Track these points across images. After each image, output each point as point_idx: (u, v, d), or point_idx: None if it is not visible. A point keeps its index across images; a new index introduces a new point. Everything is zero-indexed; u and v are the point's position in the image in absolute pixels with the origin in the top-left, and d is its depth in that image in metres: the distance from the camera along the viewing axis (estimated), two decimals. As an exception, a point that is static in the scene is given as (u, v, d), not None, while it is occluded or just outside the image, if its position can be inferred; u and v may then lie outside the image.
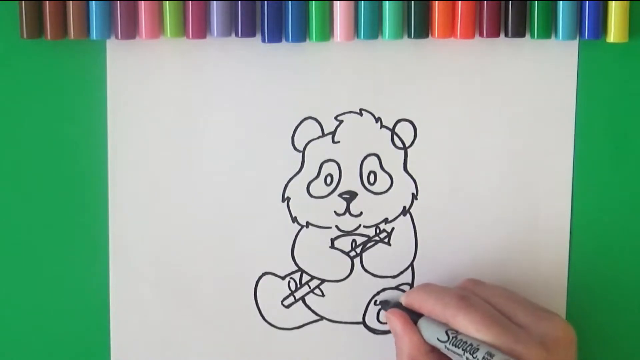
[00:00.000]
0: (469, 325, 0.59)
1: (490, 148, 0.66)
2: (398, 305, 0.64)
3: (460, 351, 0.59)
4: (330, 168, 0.66)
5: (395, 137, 0.66)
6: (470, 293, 0.62)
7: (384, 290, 0.67)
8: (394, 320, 0.63)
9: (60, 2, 0.61)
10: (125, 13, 0.61)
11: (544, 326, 0.60)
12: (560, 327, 0.60)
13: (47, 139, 0.63)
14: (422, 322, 0.62)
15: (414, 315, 0.63)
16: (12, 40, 0.62)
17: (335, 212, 0.66)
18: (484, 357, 0.57)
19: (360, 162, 0.66)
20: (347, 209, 0.66)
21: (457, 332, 0.60)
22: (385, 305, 0.66)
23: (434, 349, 0.61)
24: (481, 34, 0.64)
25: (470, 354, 0.58)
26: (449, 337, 0.60)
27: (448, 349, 0.60)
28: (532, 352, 0.58)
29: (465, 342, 0.59)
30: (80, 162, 0.64)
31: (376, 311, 0.67)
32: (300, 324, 0.67)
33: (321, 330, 0.67)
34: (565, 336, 0.60)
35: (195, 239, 0.65)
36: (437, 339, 0.60)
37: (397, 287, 0.67)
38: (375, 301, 0.67)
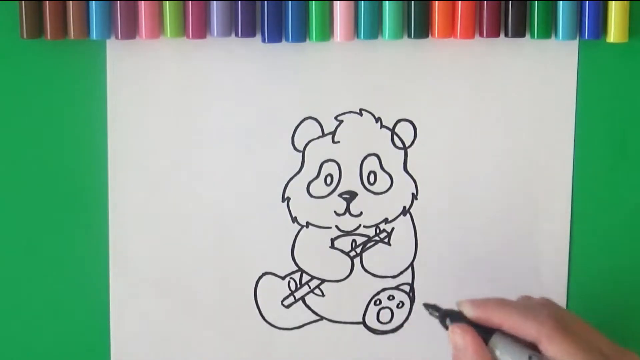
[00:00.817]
0: (565, 350, 0.56)
1: (490, 148, 0.66)
2: (456, 315, 0.59)
3: None
4: (330, 168, 0.66)
5: (395, 137, 0.66)
6: (561, 316, 0.58)
7: (384, 290, 0.67)
8: (463, 336, 0.57)
9: (60, 2, 0.61)
10: (125, 13, 0.61)
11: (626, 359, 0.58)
12: None
13: (47, 139, 0.63)
14: (497, 340, 0.57)
15: (479, 331, 0.57)
16: (12, 40, 0.62)
17: (335, 212, 0.66)
18: None
19: (360, 162, 0.66)
20: (347, 209, 0.66)
21: (538, 357, 0.56)
22: (432, 309, 0.60)
23: None
24: (481, 34, 0.64)
25: None
26: None
27: None
28: None
29: None
30: (80, 162, 0.64)
31: (376, 311, 0.67)
32: (300, 324, 0.67)
33: (321, 330, 0.67)
34: None
35: (195, 239, 0.65)
36: (529, 357, 0.56)
37: (397, 287, 0.67)
38: (427, 306, 0.60)
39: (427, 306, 0.59)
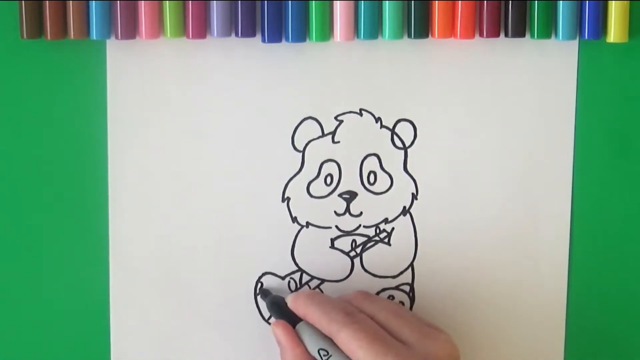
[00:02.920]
0: (352, 342, 0.58)
1: (490, 148, 0.66)
2: (280, 301, 0.63)
3: None
4: (330, 168, 0.66)
5: (395, 137, 0.66)
6: (356, 308, 0.61)
7: (384, 290, 0.67)
8: (278, 332, 0.62)
9: (60, 2, 0.61)
10: (125, 13, 0.61)
11: (428, 344, 0.59)
12: (445, 347, 0.60)
13: (47, 139, 0.63)
14: (301, 328, 0.61)
15: (295, 317, 0.62)
16: (12, 40, 0.62)
17: (335, 212, 0.66)
18: None
19: (360, 162, 0.66)
20: (347, 209, 0.66)
21: (327, 352, 0.59)
22: (264, 294, 0.65)
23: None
24: (481, 34, 0.64)
25: None
26: (321, 358, 0.60)
27: None
28: None
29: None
30: (80, 162, 0.64)
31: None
32: (300, 324, 0.67)
33: (321, 330, 0.67)
34: (448, 356, 0.59)
35: (195, 239, 0.65)
36: (318, 350, 0.60)
37: (397, 287, 0.67)
38: (258, 286, 0.66)
39: (261, 290, 0.66)
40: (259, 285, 0.66)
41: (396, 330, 0.60)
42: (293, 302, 0.63)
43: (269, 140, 0.65)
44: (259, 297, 0.66)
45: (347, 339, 0.59)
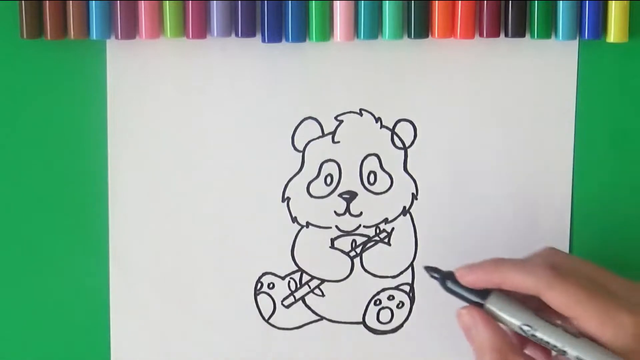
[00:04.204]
0: (569, 297, 0.55)
1: (490, 148, 0.66)
2: (453, 277, 0.59)
3: (549, 345, 0.56)
4: (330, 168, 0.66)
5: (395, 137, 0.66)
6: (559, 263, 0.58)
7: (384, 290, 0.67)
8: (469, 316, 0.58)
9: (60, 2, 0.61)
10: (125, 13, 0.61)
11: (638, 295, 0.57)
12: None
13: (47, 139, 0.63)
14: (493, 302, 0.57)
15: (476, 295, 0.58)
16: (12, 40, 0.62)
17: (335, 212, 0.66)
18: (577, 358, 0.55)
19: (360, 162, 0.66)
20: (347, 209, 0.66)
21: (531, 327, 0.56)
22: (432, 271, 0.60)
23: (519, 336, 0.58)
24: (481, 34, 0.64)
25: (556, 351, 0.56)
26: (525, 334, 0.56)
27: (534, 339, 0.56)
28: (635, 318, 0.55)
29: (548, 342, 0.56)
30: (80, 162, 0.64)
31: (376, 311, 0.67)
32: (300, 324, 0.67)
33: (321, 330, 0.67)
34: None
35: (195, 239, 0.65)
36: (520, 327, 0.56)
37: (397, 287, 0.67)
38: (427, 268, 0.60)
39: (428, 269, 0.60)
40: (428, 268, 0.60)
41: (603, 283, 0.58)
42: (478, 272, 0.58)
43: (269, 140, 0.65)
44: (428, 273, 0.60)
45: (562, 294, 0.56)
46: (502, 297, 0.58)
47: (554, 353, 0.57)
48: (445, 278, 0.59)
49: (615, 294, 0.57)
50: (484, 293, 0.58)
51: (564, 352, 0.56)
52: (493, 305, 0.58)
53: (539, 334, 0.57)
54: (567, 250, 0.67)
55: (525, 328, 0.57)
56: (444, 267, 0.66)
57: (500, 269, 0.58)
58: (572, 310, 0.56)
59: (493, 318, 0.58)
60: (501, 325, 0.58)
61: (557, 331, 0.57)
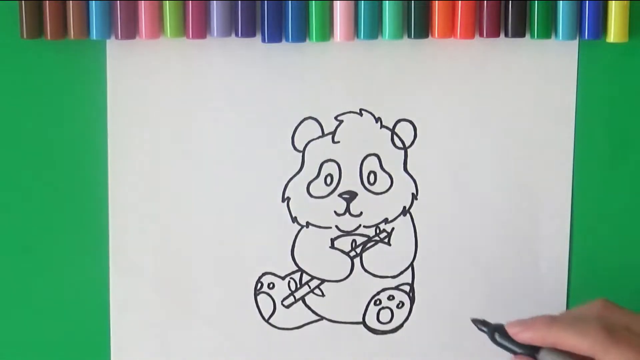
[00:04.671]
0: (625, 358, 0.56)
1: (490, 148, 0.66)
2: (503, 331, 0.60)
3: None
4: (330, 168, 0.66)
5: (395, 137, 0.66)
6: (613, 323, 0.58)
7: (384, 290, 0.67)
8: None
9: (60, 2, 0.61)
10: (125, 13, 0.61)
11: None
12: None
13: (47, 139, 0.63)
14: (545, 355, 0.58)
15: (526, 349, 0.59)
16: (12, 40, 0.62)
17: (335, 212, 0.66)
18: None
19: (360, 162, 0.66)
20: (347, 209, 0.66)
21: None
22: (480, 324, 0.61)
23: None
24: (481, 34, 0.64)
25: None
26: None
27: None
28: None
29: None
30: (80, 162, 0.64)
31: (376, 311, 0.67)
32: (300, 324, 0.67)
33: (321, 330, 0.67)
34: None
35: (195, 239, 0.65)
36: None
37: (397, 287, 0.67)
38: (475, 321, 0.61)
39: (476, 321, 0.61)
40: (476, 321, 0.61)
41: None
42: (530, 331, 0.59)
43: (269, 140, 0.65)
44: (476, 326, 0.61)
45: (617, 358, 0.56)
46: (554, 353, 0.58)
47: None
48: (494, 331, 0.60)
49: None
50: (535, 348, 0.59)
51: None
52: (543, 357, 0.58)
53: None
54: (567, 250, 0.67)
55: None
56: (444, 267, 0.66)
57: (553, 329, 0.58)
58: None
59: None
60: None
61: None
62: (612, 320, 0.59)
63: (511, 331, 0.59)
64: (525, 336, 0.59)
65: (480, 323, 0.61)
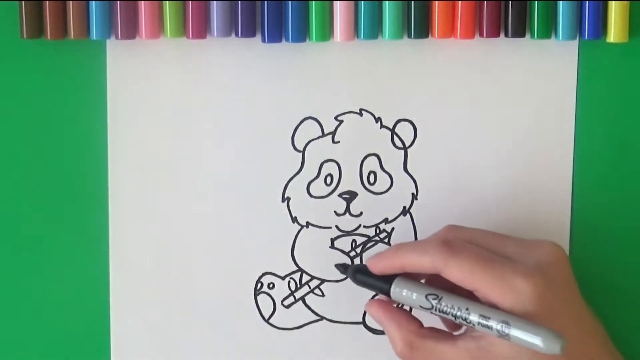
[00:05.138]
0: (463, 270, 0.57)
1: (490, 148, 0.66)
2: (363, 269, 0.61)
3: (449, 316, 0.57)
4: (330, 168, 0.66)
5: (395, 137, 0.66)
6: (453, 238, 0.60)
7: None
8: (375, 310, 0.61)
9: (60, 2, 0.61)
10: (125, 13, 0.61)
11: (535, 254, 0.59)
12: (552, 251, 0.59)
13: (47, 139, 0.63)
14: (398, 285, 0.59)
15: (382, 282, 0.60)
16: (12, 40, 0.62)
17: (335, 212, 0.66)
18: (479, 322, 0.56)
19: (360, 162, 0.66)
20: (347, 209, 0.66)
21: (437, 295, 0.57)
22: (343, 269, 0.63)
23: (422, 324, 0.60)
24: (481, 34, 0.64)
25: (463, 319, 0.56)
26: (432, 305, 0.58)
27: (436, 313, 0.58)
28: (532, 281, 0.56)
29: (453, 307, 0.57)
30: (80, 162, 0.64)
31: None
32: (300, 324, 0.67)
33: (321, 330, 0.67)
34: (558, 258, 0.59)
35: (195, 239, 0.65)
36: (420, 306, 0.58)
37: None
38: (337, 266, 0.64)
39: (337, 266, 0.64)
40: (341, 266, 0.64)
41: (499, 249, 0.59)
42: (382, 261, 0.60)
43: (269, 140, 0.65)
44: (338, 270, 0.64)
45: (456, 268, 0.57)
46: (406, 279, 0.59)
47: (458, 323, 0.58)
48: (355, 272, 0.62)
49: (512, 258, 0.58)
50: (391, 279, 0.60)
51: (467, 319, 0.57)
52: (397, 287, 0.59)
53: (443, 303, 0.57)
54: (567, 250, 0.67)
55: (431, 297, 0.57)
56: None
57: (399, 252, 0.59)
58: (470, 282, 0.57)
59: (400, 302, 0.59)
60: (407, 307, 0.59)
61: (459, 298, 0.57)
62: (454, 236, 0.60)
63: (368, 264, 0.61)
64: (378, 266, 0.60)
65: (341, 267, 0.63)
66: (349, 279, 0.66)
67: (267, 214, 0.66)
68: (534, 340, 0.54)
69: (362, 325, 0.67)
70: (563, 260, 0.60)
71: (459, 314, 0.57)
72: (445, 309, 0.57)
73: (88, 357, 0.65)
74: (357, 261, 0.66)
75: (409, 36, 0.64)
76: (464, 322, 0.57)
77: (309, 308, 0.67)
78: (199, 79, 0.64)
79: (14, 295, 0.65)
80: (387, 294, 0.60)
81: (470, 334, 0.58)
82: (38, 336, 0.65)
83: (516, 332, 0.55)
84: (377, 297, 0.64)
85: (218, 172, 0.65)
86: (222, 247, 0.66)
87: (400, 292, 0.59)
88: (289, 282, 0.66)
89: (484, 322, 0.56)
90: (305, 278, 0.66)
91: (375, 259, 0.60)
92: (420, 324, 0.60)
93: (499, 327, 0.55)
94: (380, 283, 0.61)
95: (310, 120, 0.65)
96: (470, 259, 0.57)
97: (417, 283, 0.60)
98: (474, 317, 0.56)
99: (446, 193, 0.67)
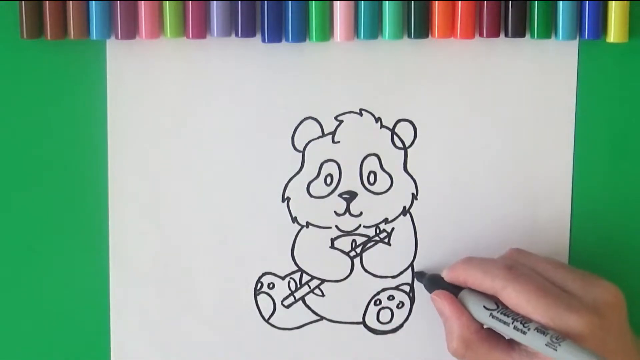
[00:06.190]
0: (519, 296, 0.58)
1: (490, 148, 0.66)
2: (437, 278, 0.64)
3: (509, 319, 0.58)
4: (330, 168, 0.66)
5: (395, 137, 0.66)
6: (517, 263, 0.61)
7: (384, 290, 0.67)
8: (440, 301, 0.62)
9: (60, 2, 0.61)
10: (125, 13, 0.61)
11: (594, 292, 0.59)
12: (610, 291, 0.60)
13: (47, 139, 0.63)
14: (465, 294, 0.61)
15: (456, 290, 0.62)
16: (12, 40, 0.62)
17: (335, 212, 0.66)
18: (536, 329, 0.57)
19: (360, 162, 0.66)
20: (347, 209, 0.66)
21: (497, 305, 0.59)
22: (420, 276, 0.66)
23: (483, 327, 0.61)
24: (481, 34, 0.64)
25: (520, 323, 0.58)
26: (497, 306, 0.59)
27: (494, 317, 0.59)
28: (586, 319, 0.57)
29: (515, 313, 0.58)
30: (80, 162, 0.64)
31: (376, 311, 0.67)
32: (300, 324, 0.67)
33: (321, 330, 0.67)
34: (615, 299, 0.60)
35: (195, 239, 0.65)
36: (484, 306, 0.60)
37: (397, 287, 0.67)
38: (415, 274, 0.66)
39: (415, 274, 0.66)
40: (413, 271, 0.66)
41: (558, 281, 0.60)
42: (451, 272, 0.62)
43: (269, 140, 0.65)
44: (416, 280, 0.66)
45: (513, 293, 0.58)
46: (472, 293, 0.61)
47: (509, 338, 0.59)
48: (430, 279, 0.65)
49: (570, 292, 0.59)
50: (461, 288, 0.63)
51: (525, 324, 0.58)
52: (463, 296, 0.61)
53: (498, 314, 0.59)
54: (567, 250, 0.67)
55: (488, 305, 0.59)
56: (444, 267, 0.66)
57: (467, 268, 0.62)
58: (524, 309, 0.58)
59: (465, 304, 0.61)
60: (472, 312, 0.61)
61: (514, 313, 0.59)
62: (518, 262, 0.62)
63: (443, 273, 0.63)
64: (449, 275, 0.63)
65: (418, 275, 0.66)
66: (349, 279, 0.66)
67: (267, 214, 0.66)
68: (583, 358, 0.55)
69: (362, 325, 0.67)
70: (621, 304, 0.60)
71: (516, 321, 0.58)
72: (503, 314, 0.59)
73: (88, 357, 0.65)
74: (357, 261, 0.66)
75: (409, 36, 0.64)
76: (518, 332, 0.58)
77: (309, 308, 0.67)
78: (199, 79, 0.64)
79: (14, 295, 0.65)
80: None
81: (525, 348, 0.59)
82: (38, 336, 0.65)
83: (567, 346, 0.56)
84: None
85: (218, 172, 0.65)
86: (222, 247, 0.66)
87: (465, 302, 0.61)
88: (289, 282, 0.66)
89: (540, 328, 0.57)
90: (305, 278, 0.66)
91: (449, 269, 0.63)
92: (481, 326, 0.61)
93: (552, 338, 0.56)
94: (450, 287, 0.63)
95: (310, 120, 0.65)
96: (529, 287, 0.58)
97: (481, 296, 0.61)
98: (531, 325, 0.57)
99: (446, 193, 0.67)
